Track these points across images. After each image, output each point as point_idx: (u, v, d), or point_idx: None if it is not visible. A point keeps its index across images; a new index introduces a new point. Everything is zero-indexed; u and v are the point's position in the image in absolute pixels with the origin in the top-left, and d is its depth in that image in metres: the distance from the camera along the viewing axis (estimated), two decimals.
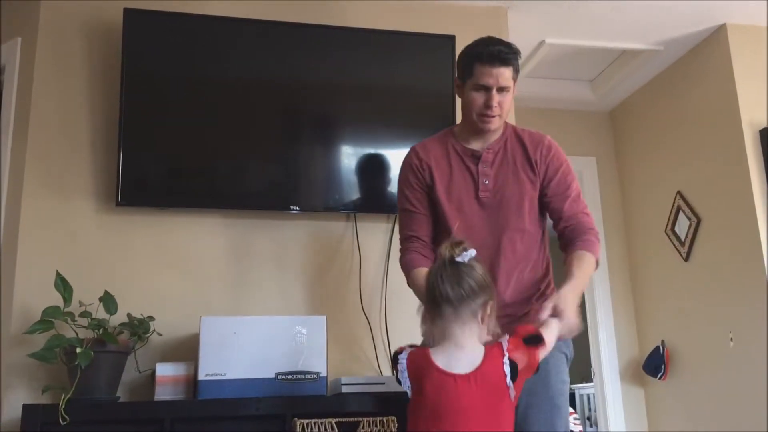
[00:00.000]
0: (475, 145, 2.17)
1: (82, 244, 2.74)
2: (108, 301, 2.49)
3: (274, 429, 2.31)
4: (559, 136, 4.56)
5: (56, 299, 2.45)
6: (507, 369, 1.58)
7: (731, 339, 3.61)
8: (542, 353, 1.67)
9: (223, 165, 2.88)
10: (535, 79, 4.30)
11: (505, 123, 2.20)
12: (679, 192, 4.04)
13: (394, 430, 2.42)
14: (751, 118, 3.60)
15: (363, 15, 3.20)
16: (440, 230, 2.14)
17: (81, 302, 2.45)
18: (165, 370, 2.46)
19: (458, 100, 3.14)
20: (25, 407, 2.33)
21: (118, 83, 2.81)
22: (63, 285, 2.46)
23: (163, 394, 2.44)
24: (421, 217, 2.15)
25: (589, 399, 6.09)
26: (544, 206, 2.17)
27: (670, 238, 4.10)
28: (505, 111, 2.12)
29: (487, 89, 2.07)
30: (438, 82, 3.12)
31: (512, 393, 1.59)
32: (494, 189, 2.12)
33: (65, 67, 2.90)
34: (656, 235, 4.24)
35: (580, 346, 5.00)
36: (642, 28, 3.75)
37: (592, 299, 4.48)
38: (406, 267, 2.12)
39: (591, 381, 4.68)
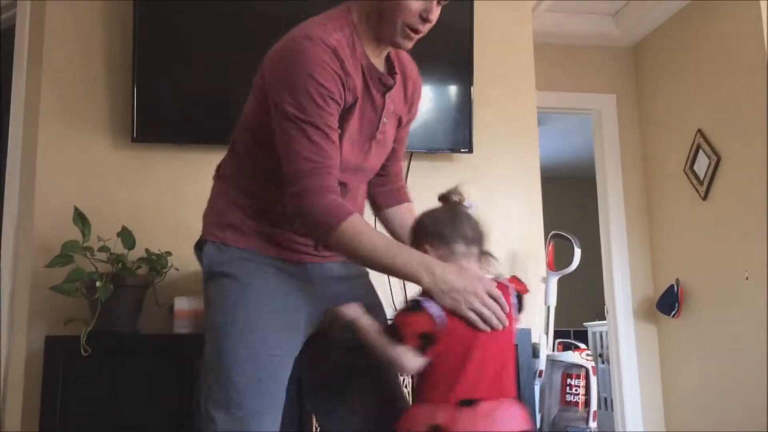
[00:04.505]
0: (377, 64, 1.59)
1: (100, 180, 2.75)
2: (126, 236, 2.52)
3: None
4: (578, 72, 4.54)
5: (75, 234, 2.47)
6: (515, 300, 1.57)
7: (747, 277, 3.60)
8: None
9: (239, 100, 2.85)
10: (555, 12, 4.19)
11: None
12: (699, 130, 3.97)
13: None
14: None
15: None
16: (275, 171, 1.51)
17: (99, 237, 2.48)
18: (183, 304, 2.50)
19: (476, 33, 3.09)
20: (48, 339, 2.39)
21: (131, 15, 2.77)
22: (81, 220, 2.48)
23: (181, 327, 2.48)
24: (336, 138, 1.49)
25: (601, 336, 6.14)
26: None
27: (688, 177, 4.06)
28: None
29: None
30: (454, 14, 3.04)
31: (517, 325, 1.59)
32: (385, 133, 1.65)
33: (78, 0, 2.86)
34: (675, 173, 4.19)
35: (594, 284, 5.04)
36: None
37: (608, 237, 4.48)
38: (340, 213, 1.45)
39: (604, 319, 4.72)
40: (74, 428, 2.30)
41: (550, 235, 3.18)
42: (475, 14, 3.06)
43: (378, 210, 1.83)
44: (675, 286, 4.12)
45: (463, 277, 1.43)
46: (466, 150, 3.02)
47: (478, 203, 1.62)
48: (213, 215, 1.66)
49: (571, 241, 3.12)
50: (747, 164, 3.63)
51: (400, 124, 1.72)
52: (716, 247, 3.85)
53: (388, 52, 1.62)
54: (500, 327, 1.44)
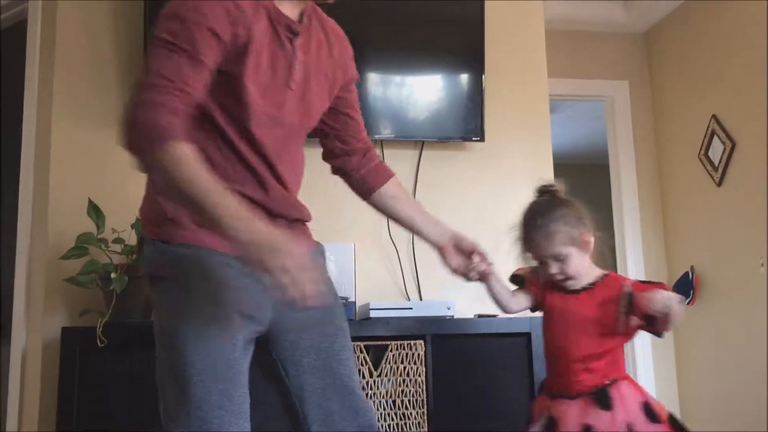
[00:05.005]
0: (288, 11, 1.53)
1: (113, 172, 2.76)
2: (139, 227, 2.53)
3: None
4: (590, 59, 4.52)
5: (89, 226, 2.49)
6: None
7: (762, 264, 3.58)
8: None
9: None
10: None
11: None
12: (714, 116, 3.94)
13: (421, 352, 2.46)
14: None
15: None
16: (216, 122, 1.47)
17: (114, 229, 2.50)
18: None
19: (488, 21, 3.09)
20: (64, 330, 2.42)
21: (142, 13, 2.78)
22: (95, 212, 2.50)
23: None
24: (204, 75, 1.40)
25: None
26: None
27: (703, 163, 4.03)
28: None
29: None
30: (465, 6, 3.04)
31: None
32: (301, 82, 1.57)
33: None
34: (689, 160, 4.16)
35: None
36: None
37: (621, 224, 4.46)
38: (164, 131, 1.31)
39: None
40: (91, 418, 2.33)
41: None
42: (486, 2, 3.05)
43: (371, 192, 1.79)
44: (689, 273, 4.10)
45: (280, 237, 1.29)
46: (478, 138, 3.01)
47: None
48: (149, 210, 1.52)
49: None
50: (762, 150, 3.60)
51: (334, 85, 1.66)
52: (731, 233, 3.82)
53: (302, 9, 1.56)
54: (317, 298, 1.25)
